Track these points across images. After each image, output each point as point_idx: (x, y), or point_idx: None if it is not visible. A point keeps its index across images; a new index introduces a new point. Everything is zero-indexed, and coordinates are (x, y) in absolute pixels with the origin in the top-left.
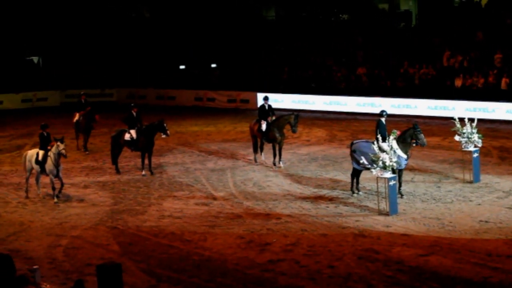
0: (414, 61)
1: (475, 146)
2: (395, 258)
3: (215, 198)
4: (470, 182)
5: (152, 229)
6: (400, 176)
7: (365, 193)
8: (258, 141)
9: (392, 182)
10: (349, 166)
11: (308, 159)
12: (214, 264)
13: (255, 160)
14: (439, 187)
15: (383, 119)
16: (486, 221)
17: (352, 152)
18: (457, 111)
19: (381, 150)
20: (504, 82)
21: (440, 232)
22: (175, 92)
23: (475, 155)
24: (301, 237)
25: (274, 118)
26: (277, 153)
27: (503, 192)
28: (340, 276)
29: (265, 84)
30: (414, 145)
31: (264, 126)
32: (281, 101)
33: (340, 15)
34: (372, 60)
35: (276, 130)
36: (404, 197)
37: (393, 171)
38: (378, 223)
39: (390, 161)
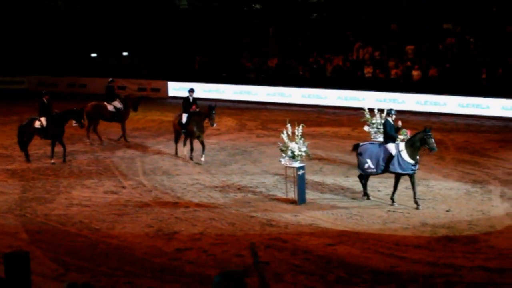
0: (325, 51)
1: None
2: (302, 247)
3: (124, 187)
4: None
5: (61, 218)
6: (397, 181)
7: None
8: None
9: (300, 172)
10: (258, 155)
11: (218, 148)
12: (122, 253)
13: (176, 153)
14: (347, 177)
15: (390, 119)
16: (394, 211)
17: (358, 155)
18: (367, 101)
19: (388, 151)
20: (415, 73)
21: (348, 222)
22: (86, 80)
23: None
24: (209, 226)
25: (198, 109)
26: (193, 147)
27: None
28: (247, 265)
29: (177, 73)
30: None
31: (184, 119)
32: None
33: (253, 5)
34: (283, 50)
35: (194, 124)
36: (420, 207)
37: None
38: (286, 212)
39: (299, 151)
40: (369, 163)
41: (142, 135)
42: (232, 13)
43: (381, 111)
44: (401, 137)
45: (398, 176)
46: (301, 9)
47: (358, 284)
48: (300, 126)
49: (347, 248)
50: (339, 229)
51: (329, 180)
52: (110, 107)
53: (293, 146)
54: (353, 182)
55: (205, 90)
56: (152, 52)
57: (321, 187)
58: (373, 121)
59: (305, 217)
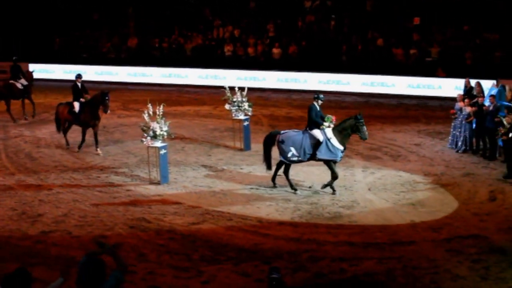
0: (186, 30)
1: (246, 115)
2: (167, 227)
3: None
4: (241, 150)
5: None
6: (332, 168)
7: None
8: (66, 123)
9: (162, 151)
10: (120, 136)
11: (80, 130)
12: None
13: (67, 144)
14: (210, 155)
15: (316, 103)
16: (257, 189)
17: (280, 143)
18: (227, 80)
19: (314, 138)
20: (275, 51)
21: (211, 200)
22: None
23: (246, 123)
24: (73, 208)
25: (89, 98)
26: (85, 138)
27: (274, 159)
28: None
29: (36, 54)
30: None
31: (77, 108)
32: (52, 71)
33: None
34: (143, 29)
35: (89, 112)
36: (337, 192)
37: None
38: (149, 192)
39: (161, 130)
40: (293, 151)
41: (4, 118)
42: None
43: (241, 89)
44: (326, 123)
45: (329, 163)
46: None
47: (222, 262)
48: (161, 106)
49: (211, 226)
50: (202, 208)
51: (192, 159)
52: (19, 85)
53: (154, 126)
54: (216, 161)
55: (65, 71)
56: (8, 33)
57: (183, 166)
58: (234, 100)
59: (169, 196)
